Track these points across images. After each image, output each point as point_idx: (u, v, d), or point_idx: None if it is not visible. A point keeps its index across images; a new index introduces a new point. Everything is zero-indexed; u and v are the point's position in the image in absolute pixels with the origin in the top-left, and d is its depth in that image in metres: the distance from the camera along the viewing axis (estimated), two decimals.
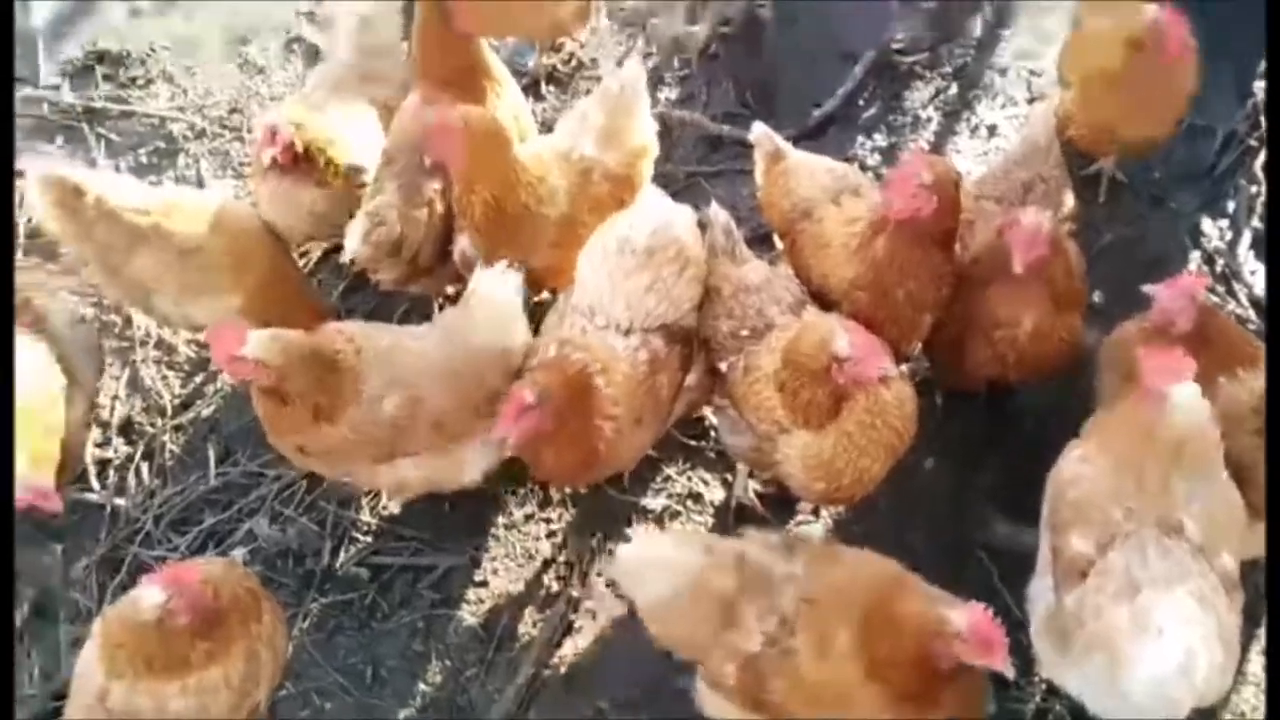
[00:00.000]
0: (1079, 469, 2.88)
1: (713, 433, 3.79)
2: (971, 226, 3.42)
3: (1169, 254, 4.03)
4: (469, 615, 3.55)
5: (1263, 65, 4.39)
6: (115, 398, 4.12)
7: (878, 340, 2.88)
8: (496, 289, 3.36)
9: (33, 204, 3.80)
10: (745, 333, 3.21)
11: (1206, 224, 4.12)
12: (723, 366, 3.23)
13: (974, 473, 3.63)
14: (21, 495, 3.33)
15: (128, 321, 4.32)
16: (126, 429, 4.08)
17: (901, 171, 3.16)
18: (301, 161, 3.80)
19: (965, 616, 2.48)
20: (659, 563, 2.85)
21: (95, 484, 3.93)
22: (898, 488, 3.35)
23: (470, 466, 3.46)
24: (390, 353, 3.30)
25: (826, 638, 2.63)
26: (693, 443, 3.80)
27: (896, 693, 2.57)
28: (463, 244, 3.58)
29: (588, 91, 4.72)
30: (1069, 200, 3.54)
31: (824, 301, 3.35)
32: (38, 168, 3.73)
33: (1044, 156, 3.61)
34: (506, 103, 3.94)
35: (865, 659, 2.59)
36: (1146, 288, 3.05)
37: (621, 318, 3.23)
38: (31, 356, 3.62)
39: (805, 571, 2.75)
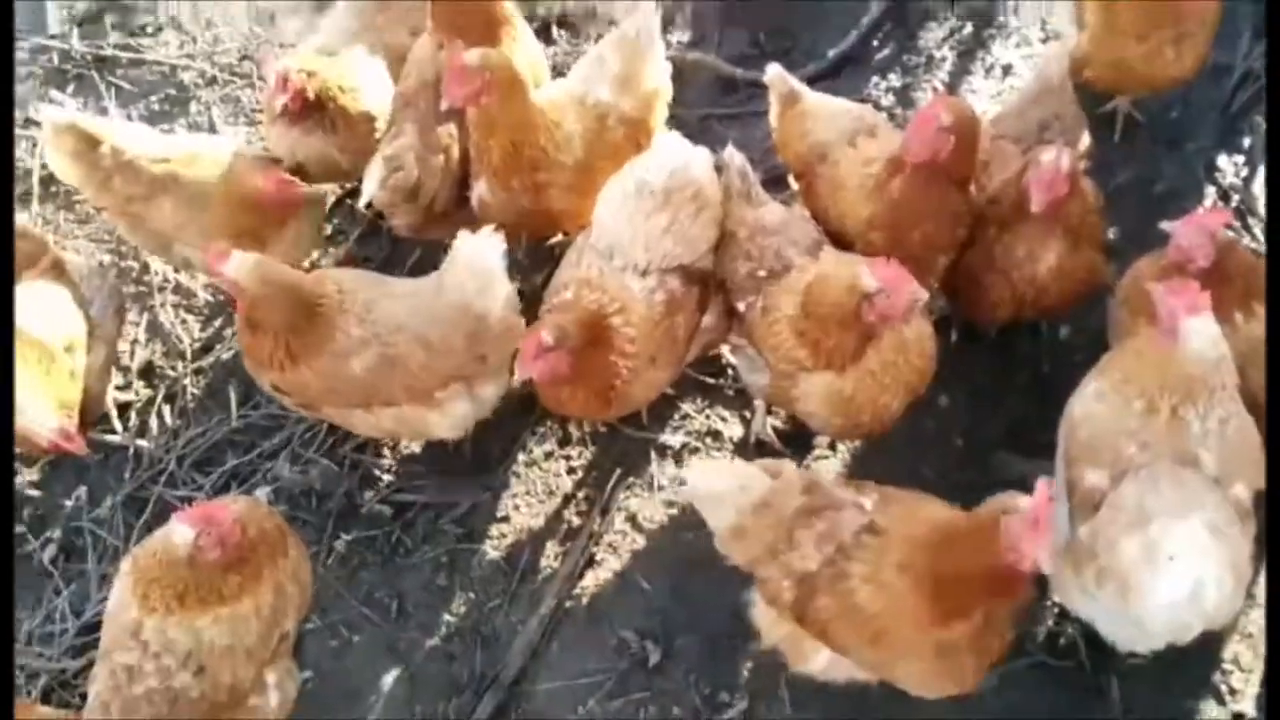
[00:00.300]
0: (1093, 405, 2.91)
1: (730, 371, 3.83)
2: (987, 166, 3.42)
3: (1185, 191, 4.03)
4: (491, 550, 3.61)
5: None
6: (135, 342, 4.16)
7: (902, 268, 2.90)
8: (478, 253, 3.34)
9: (49, 153, 3.82)
10: (763, 273, 3.22)
11: (1222, 160, 4.12)
12: (741, 306, 3.25)
13: (990, 409, 3.67)
14: (47, 437, 3.40)
15: (145, 267, 4.36)
16: (147, 372, 4.13)
17: (921, 114, 3.16)
18: (313, 108, 3.81)
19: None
20: (730, 485, 2.91)
21: (118, 426, 3.98)
22: (913, 424, 3.39)
23: (444, 423, 3.50)
24: (371, 307, 3.31)
25: (880, 568, 2.68)
26: (710, 380, 3.83)
27: (937, 617, 2.60)
28: (480, 189, 3.59)
29: (599, 36, 4.71)
30: (1085, 139, 3.54)
31: (840, 242, 3.36)
32: (53, 116, 3.76)
33: (1058, 95, 3.60)
34: (521, 47, 3.92)
35: (926, 589, 2.61)
36: (1165, 225, 3.06)
37: (639, 258, 3.24)
38: (52, 302, 3.68)
39: (874, 506, 2.78)
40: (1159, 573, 2.61)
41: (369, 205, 3.71)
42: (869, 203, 3.33)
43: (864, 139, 3.53)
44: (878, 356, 2.99)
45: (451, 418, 3.48)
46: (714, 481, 2.95)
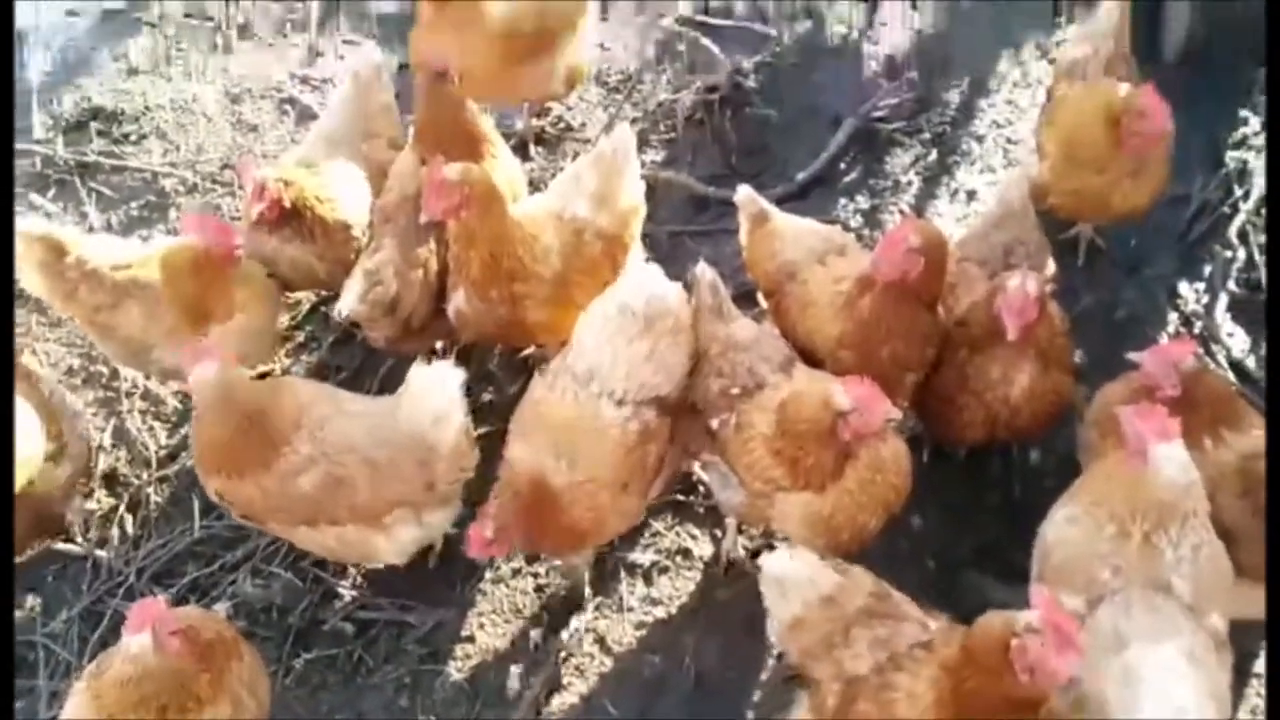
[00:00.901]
0: (1066, 529, 2.92)
1: (701, 487, 3.81)
2: (954, 289, 3.49)
3: (1147, 317, 4.12)
4: (455, 671, 3.52)
5: (1234, 135, 4.54)
6: (100, 448, 4.09)
7: (876, 386, 2.92)
8: (434, 384, 3.32)
9: (18, 264, 3.80)
10: (736, 390, 3.23)
11: (1183, 287, 4.22)
12: (714, 424, 3.25)
13: (961, 531, 3.66)
14: None
15: (114, 373, 4.32)
16: (111, 480, 4.06)
17: (891, 235, 3.24)
18: (290, 217, 3.85)
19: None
20: (800, 575, 2.88)
21: (78, 536, 3.90)
22: (887, 544, 3.37)
23: (389, 548, 3.46)
24: (324, 424, 3.30)
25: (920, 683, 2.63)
26: (681, 497, 3.81)
27: None
28: (458, 300, 3.62)
29: (575, 153, 4.83)
30: (1049, 264, 3.63)
31: (811, 360, 3.39)
32: (25, 228, 3.77)
33: (1021, 220, 3.70)
34: (500, 163, 4.01)
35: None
36: (1132, 355, 3.10)
37: (618, 386, 3.22)
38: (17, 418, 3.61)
39: (939, 627, 2.76)
40: (1139, 697, 2.58)
41: (347, 318, 3.71)
42: (838, 320, 3.38)
43: (833, 258, 3.60)
44: (855, 475, 2.99)
45: (397, 543, 3.44)
46: (791, 569, 2.90)
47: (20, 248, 3.76)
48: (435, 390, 3.31)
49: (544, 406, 3.27)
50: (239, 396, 3.25)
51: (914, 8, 5.13)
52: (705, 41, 5.08)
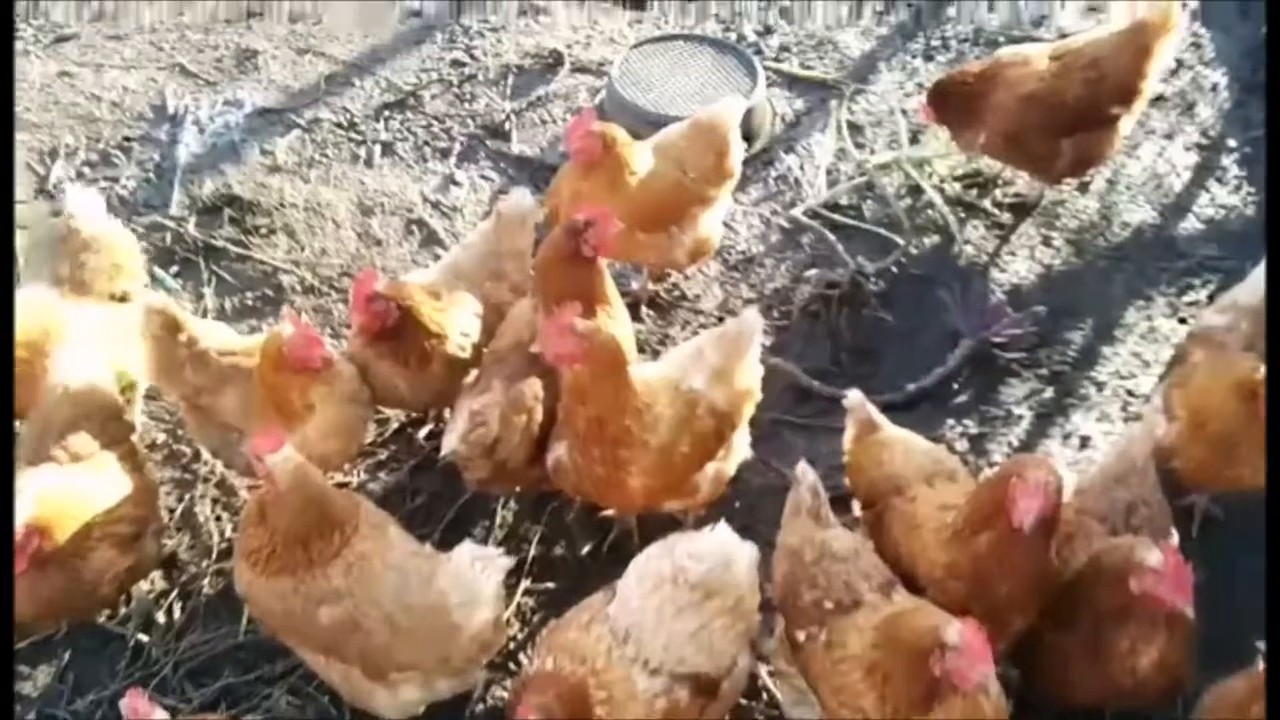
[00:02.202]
0: None
1: (765, 695, 3.62)
2: (1071, 539, 3.35)
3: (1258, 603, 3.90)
4: None
5: None
6: (168, 528, 4.03)
7: (988, 646, 2.76)
8: (473, 571, 3.22)
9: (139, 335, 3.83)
10: (830, 605, 3.09)
11: None
12: (800, 636, 3.10)
13: None
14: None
15: (196, 455, 4.30)
16: (169, 563, 3.98)
17: (1035, 482, 3.05)
18: (391, 337, 3.84)
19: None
20: None
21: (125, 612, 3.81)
22: None
23: (390, 704, 3.34)
24: (363, 563, 3.22)
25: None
26: (744, 701, 3.60)
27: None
28: (559, 451, 3.56)
29: (685, 322, 4.84)
30: (1173, 530, 3.48)
31: (908, 584, 3.25)
32: (150, 300, 3.82)
33: (1142, 479, 3.57)
34: (616, 324, 4.00)
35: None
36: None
37: (655, 656, 3.01)
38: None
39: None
40: None
41: (445, 457, 3.66)
42: (946, 549, 3.24)
43: (942, 481, 3.50)
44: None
45: (400, 701, 3.33)
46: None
47: (140, 319, 3.80)
48: (474, 576, 3.21)
49: (578, 643, 3.05)
50: (315, 492, 3.20)
51: (1047, 244, 5.13)
52: (831, 237, 5.11)
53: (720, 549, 3.09)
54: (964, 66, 4.94)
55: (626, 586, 3.13)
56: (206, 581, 3.95)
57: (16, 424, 3.84)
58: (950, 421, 4.49)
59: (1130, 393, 4.56)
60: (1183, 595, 3.02)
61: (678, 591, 3.03)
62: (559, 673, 2.95)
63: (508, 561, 3.27)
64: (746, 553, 3.13)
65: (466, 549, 3.27)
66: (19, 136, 5.53)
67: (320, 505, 3.21)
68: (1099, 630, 3.14)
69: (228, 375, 3.80)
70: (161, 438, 4.37)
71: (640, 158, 4.37)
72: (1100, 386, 4.59)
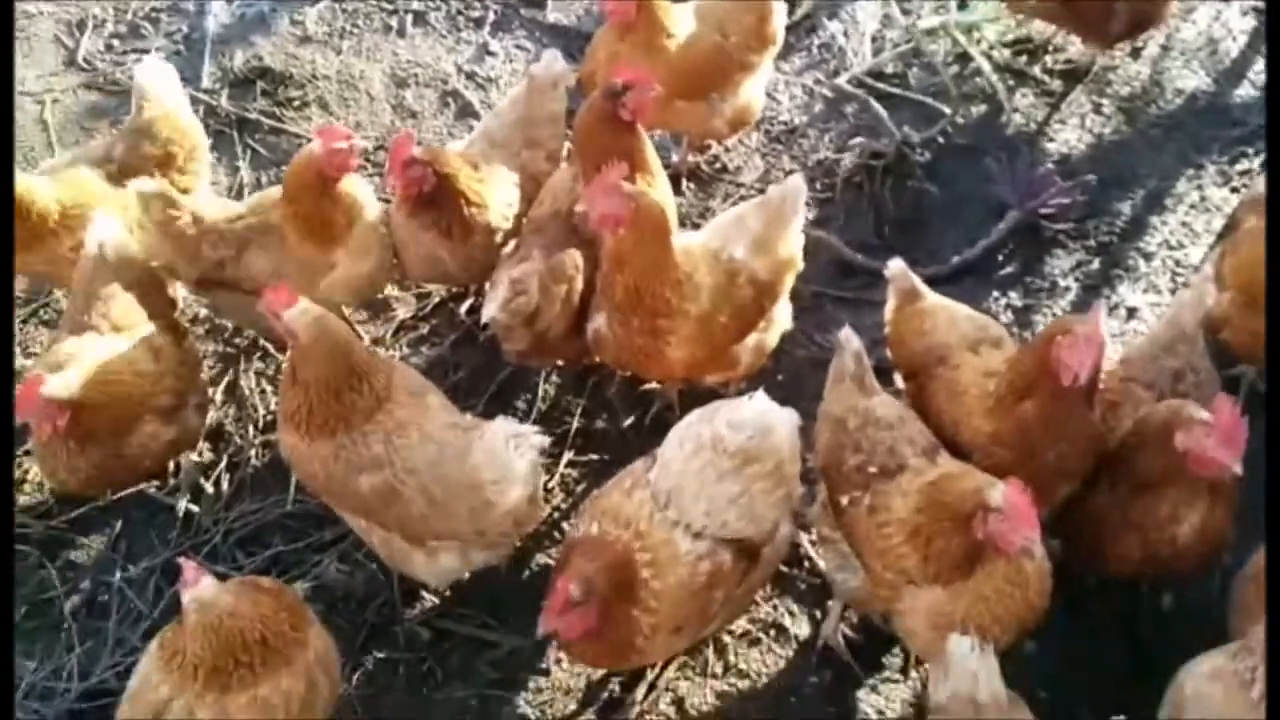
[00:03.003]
0: (1206, 685, 2.71)
1: (807, 562, 3.67)
2: (1116, 407, 3.32)
3: None
4: (525, 703, 3.41)
5: None
6: (210, 402, 4.08)
7: (1033, 510, 2.75)
8: (507, 449, 3.19)
9: (135, 230, 3.79)
10: (874, 469, 3.09)
11: None
12: (844, 500, 3.11)
13: (1078, 665, 3.43)
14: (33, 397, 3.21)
15: (238, 329, 4.32)
16: (216, 436, 4.04)
17: (1086, 336, 3.00)
18: (432, 205, 3.80)
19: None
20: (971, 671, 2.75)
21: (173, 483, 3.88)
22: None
23: (429, 569, 3.38)
24: (402, 430, 3.22)
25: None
26: (784, 568, 3.64)
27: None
28: (598, 322, 3.54)
29: (726, 195, 4.75)
30: (1220, 397, 3.42)
31: (954, 450, 3.23)
32: (140, 186, 3.76)
33: (1191, 346, 3.51)
34: (658, 194, 3.92)
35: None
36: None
37: (697, 520, 3.01)
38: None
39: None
40: None
41: (485, 325, 3.64)
42: (992, 417, 3.21)
43: (988, 348, 3.45)
44: (993, 584, 2.83)
45: (438, 568, 3.37)
46: (973, 661, 2.74)
47: (137, 208, 3.75)
48: (507, 455, 3.19)
49: (621, 507, 3.06)
50: (339, 339, 3.21)
51: (1097, 112, 4.96)
52: (876, 107, 4.96)
53: (759, 417, 3.07)
54: None
55: (667, 452, 3.13)
56: (253, 453, 4.01)
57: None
58: (995, 294, 4.42)
59: (1179, 263, 4.46)
60: (1233, 449, 2.92)
61: (718, 457, 3.03)
62: (603, 538, 2.98)
63: (542, 439, 3.25)
64: (786, 419, 3.10)
65: (500, 426, 3.25)
66: (45, 7, 5.44)
67: (345, 352, 3.22)
68: (1139, 496, 3.11)
69: (246, 237, 3.79)
70: (204, 312, 4.38)
71: (679, 20, 4.23)
72: (1149, 257, 4.49)
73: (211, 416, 4.03)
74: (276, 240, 3.79)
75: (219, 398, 4.13)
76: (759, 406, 3.11)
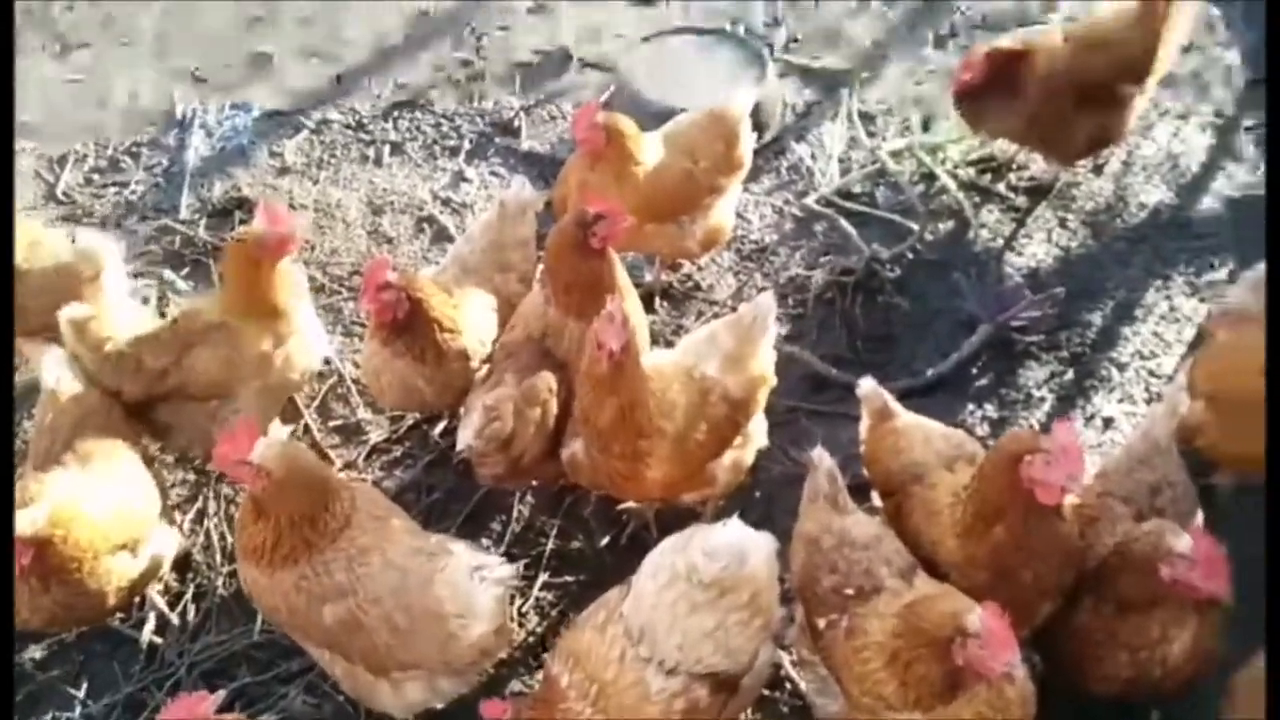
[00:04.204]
0: None
1: (789, 685, 3.57)
2: (1094, 523, 3.29)
3: None
4: None
5: None
6: (179, 528, 4.00)
7: (1012, 634, 2.69)
8: (467, 585, 3.14)
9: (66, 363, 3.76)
10: (850, 591, 3.03)
11: None
12: (821, 624, 3.04)
13: None
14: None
15: (208, 455, 4.27)
16: (182, 565, 3.96)
17: (1058, 449, 2.99)
18: (406, 331, 3.80)
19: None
20: None
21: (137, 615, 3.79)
22: None
23: (395, 703, 3.30)
24: (365, 556, 3.16)
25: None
26: (766, 692, 3.55)
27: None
28: (575, 448, 3.52)
29: (699, 313, 4.79)
30: (1198, 511, 3.41)
31: (931, 570, 3.19)
32: (71, 313, 3.76)
33: (1166, 459, 3.51)
34: (629, 315, 3.96)
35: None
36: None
37: (670, 656, 2.93)
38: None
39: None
40: None
41: (460, 453, 3.62)
42: (967, 541, 3.17)
43: (963, 465, 3.43)
44: (972, 708, 2.75)
45: (404, 700, 3.29)
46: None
47: (71, 337, 3.74)
48: (470, 589, 3.14)
49: (591, 648, 2.98)
50: (311, 469, 3.18)
51: (1063, 226, 5.06)
52: (845, 225, 5.05)
53: (735, 544, 2.99)
54: (990, 45, 4.85)
55: (640, 584, 3.06)
56: (220, 582, 3.93)
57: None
58: (970, 406, 4.43)
59: (1152, 373, 4.49)
60: (1217, 581, 2.94)
61: (692, 589, 2.95)
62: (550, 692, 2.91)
63: (508, 570, 3.20)
64: (763, 545, 3.03)
65: (465, 557, 3.19)
66: (27, 144, 5.55)
67: (318, 479, 3.19)
68: (1127, 617, 3.06)
69: (187, 341, 3.81)
70: None
71: (647, 148, 4.33)
72: (1122, 368, 4.52)
73: (178, 545, 3.96)
74: (219, 334, 3.81)
75: (186, 526, 4.06)
76: (734, 533, 3.03)
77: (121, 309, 4.06)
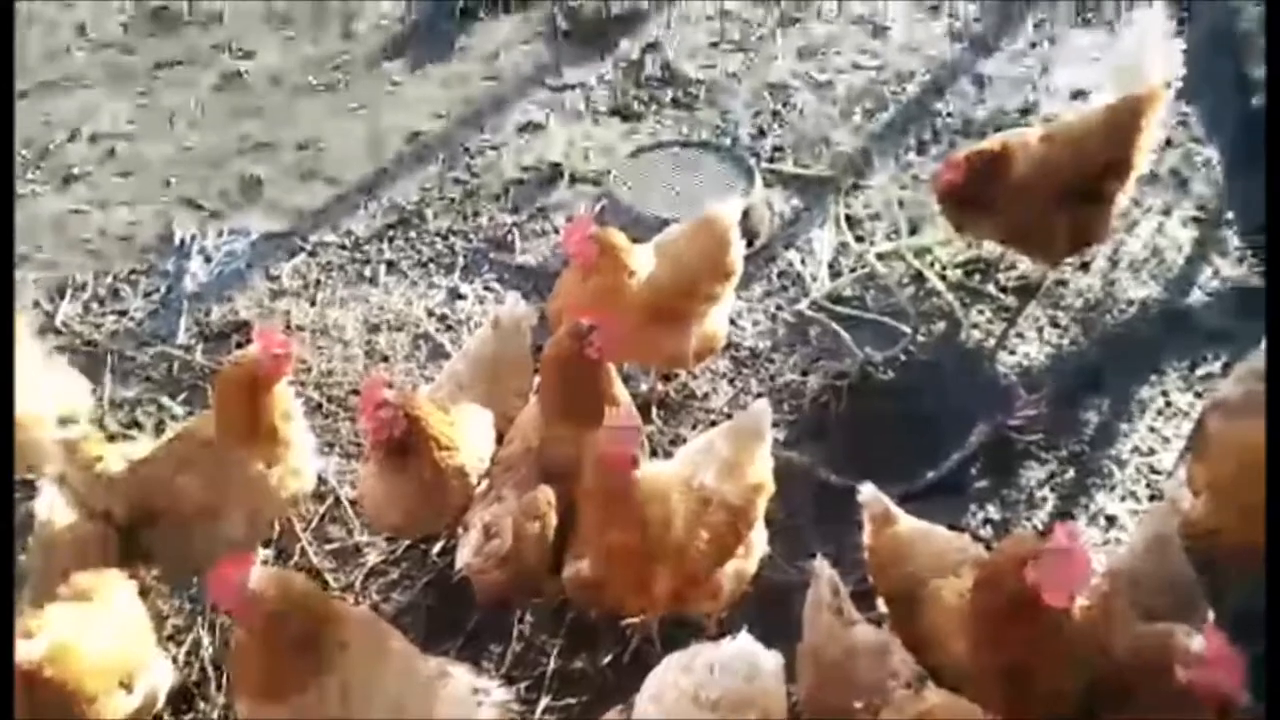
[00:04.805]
0: None
1: None
2: (1104, 625, 3.21)
3: None
4: None
5: None
6: (174, 661, 3.93)
7: None
8: (466, 710, 3.09)
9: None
10: (859, 704, 2.97)
11: None
12: None
13: None
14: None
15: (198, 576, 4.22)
16: (178, 697, 3.86)
17: (1072, 554, 2.96)
18: (402, 452, 3.76)
19: None
20: None
21: None
22: None
23: None
24: (362, 689, 3.08)
25: None
26: None
27: None
28: (580, 567, 3.48)
29: (695, 422, 4.79)
30: (1207, 609, 3.36)
31: (941, 680, 3.12)
32: (66, 433, 3.79)
33: (1172, 556, 3.47)
34: None
35: None
36: None
37: None
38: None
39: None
40: None
41: (459, 572, 3.58)
42: (978, 648, 3.11)
43: (968, 570, 3.37)
44: None
45: None
46: None
47: (61, 459, 3.72)
48: (469, 716, 3.08)
49: None
50: (307, 594, 3.13)
51: (1054, 324, 5.10)
52: (837, 329, 5.09)
53: (742, 661, 2.94)
54: (971, 149, 4.97)
55: (642, 706, 2.98)
56: (216, 715, 3.83)
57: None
58: (972, 508, 4.40)
59: (1153, 469, 4.47)
60: (1234, 680, 2.87)
61: (699, 710, 2.87)
62: None
63: (505, 694, 3.15)
64: (770, 662, 2.98)
65: (463, 681, 3.14)
66: (29, 275, 5.61)
67: (315, 605, 3.14)
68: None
69: (182, 458, 3.79)
70: None
71: (639, 259, 4.39)
72: (1122, 465, 4.50)
73: (175, 677, 3.88)
74: (209, 455, 3.79)
75: (180, 658, 3.98)
76: (740, 649, 2.99)
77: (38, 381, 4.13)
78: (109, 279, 5.64)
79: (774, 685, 2.97)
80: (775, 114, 6.36)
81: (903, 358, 4.97)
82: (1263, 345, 3.93)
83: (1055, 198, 4.76)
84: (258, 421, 3.84)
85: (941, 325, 5.14)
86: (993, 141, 4.94)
